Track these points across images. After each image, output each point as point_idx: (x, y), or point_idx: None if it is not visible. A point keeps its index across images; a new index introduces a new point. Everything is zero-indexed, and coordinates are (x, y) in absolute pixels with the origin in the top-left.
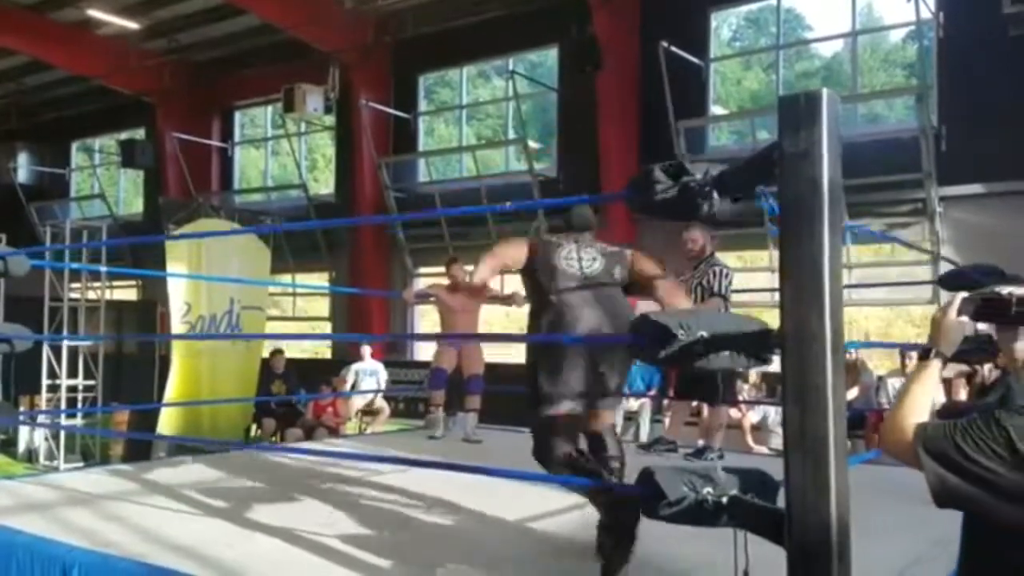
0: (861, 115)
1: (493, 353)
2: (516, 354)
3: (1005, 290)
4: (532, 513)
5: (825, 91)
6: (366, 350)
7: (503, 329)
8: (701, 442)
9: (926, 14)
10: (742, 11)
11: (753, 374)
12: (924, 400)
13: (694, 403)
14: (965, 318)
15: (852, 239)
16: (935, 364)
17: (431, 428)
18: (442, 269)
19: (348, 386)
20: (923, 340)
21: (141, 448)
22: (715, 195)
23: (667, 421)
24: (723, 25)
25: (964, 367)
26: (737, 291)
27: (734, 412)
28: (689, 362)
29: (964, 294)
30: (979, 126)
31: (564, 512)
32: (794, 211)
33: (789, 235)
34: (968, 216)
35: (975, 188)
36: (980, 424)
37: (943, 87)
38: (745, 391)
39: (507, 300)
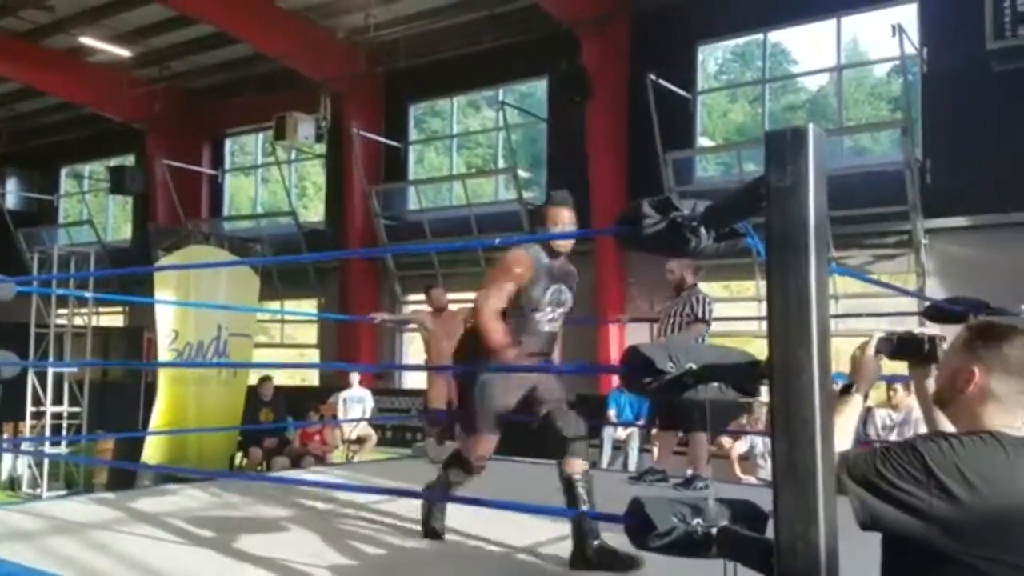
0: (847, 148)
1: None
2: None
3: (918, 330)
4: (518, 543)
5: (811, 127)
6: (354, 377)
7: None
8: (689, 472)
9: (910, 49)
10: (728, 45)
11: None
12: (847, 431)
13: (680, 433)
14: (882, 356)
15: (836, 271)
16: (856, 398)
17: (429, 453)
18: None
19: (340, 413)
20: (907, 372)
21: (126, 476)
22: (703, 230)
23: (655, 451)
24: (709, 58)
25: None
26: (723, 319)
27: (725, 441)
28: (677, 393)
29: (880, 333)
30: (964, 159)
31: (556, 542)
32: (781, 245)
33: (776, 269)
34: (953, 248)
35: (960, 221)
36: (897, 450)
37: (928, 121)
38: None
39: None
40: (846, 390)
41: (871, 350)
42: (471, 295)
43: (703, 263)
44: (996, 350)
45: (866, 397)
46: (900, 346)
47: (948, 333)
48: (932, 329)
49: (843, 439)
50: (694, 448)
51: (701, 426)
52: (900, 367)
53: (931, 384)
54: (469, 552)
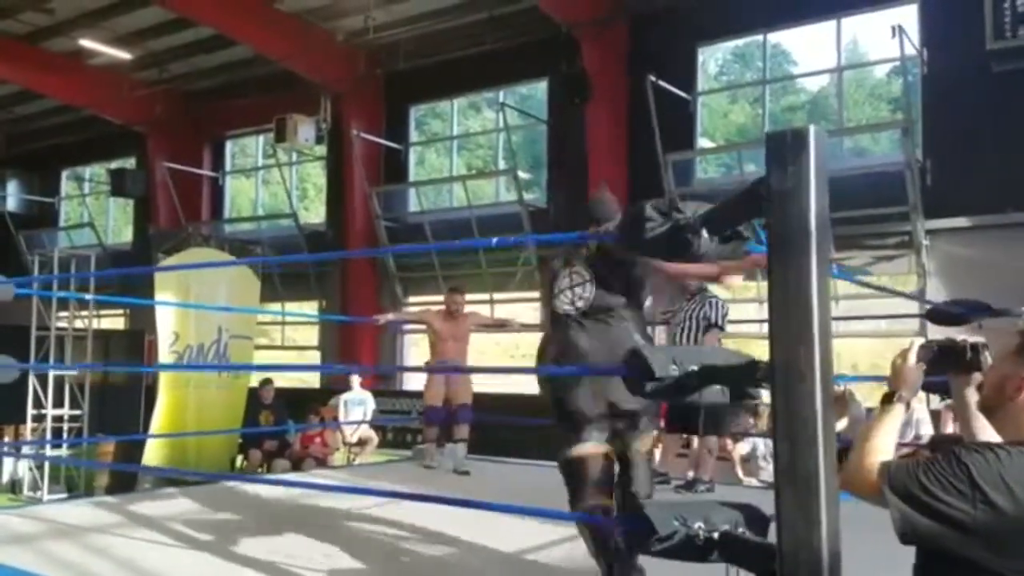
0: (847, 148)
1: (482, 383)
2: (504, 384)
3: (960, 338)
4: (522, 546)
5: (812, 128)
6: (355, 379)
7: (493, 357)
8: (691, 474)
9: (910, 50)
10: (728, 46)
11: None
12: (888, 441)
13: (683, 435)
14: (923, 363)
15: (836, 274)
16: (898, 407)
17: (424, 458)
18: (432, 297)
19: (341, 416)
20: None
21: (126, 479)
22: (704, 232)
23: (657, 453)
24: (710, 60)
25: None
26: (729, 322)
27: (726, 443)
28: (680, 396)
29: (922, 340)
30: (964, 160)
31: (555, 544)
32: (782, 246)
33: (777, 270)
34: (954, 249)
35: (961, 221)
36: (942, 462)
37: (928, 121)
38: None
39: (501, 326)
40: (887, 399)
41: (912, 357)
42: (473, 297)
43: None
44: None
45: (908, 406)
46: (942, 354)
47: (991, 340)
48: (977, 337)
49: (885, 451)
50: (701, 451)
51: (712, 430)
52: (883, 368)
53: (971, 393)
54: (470, 555)
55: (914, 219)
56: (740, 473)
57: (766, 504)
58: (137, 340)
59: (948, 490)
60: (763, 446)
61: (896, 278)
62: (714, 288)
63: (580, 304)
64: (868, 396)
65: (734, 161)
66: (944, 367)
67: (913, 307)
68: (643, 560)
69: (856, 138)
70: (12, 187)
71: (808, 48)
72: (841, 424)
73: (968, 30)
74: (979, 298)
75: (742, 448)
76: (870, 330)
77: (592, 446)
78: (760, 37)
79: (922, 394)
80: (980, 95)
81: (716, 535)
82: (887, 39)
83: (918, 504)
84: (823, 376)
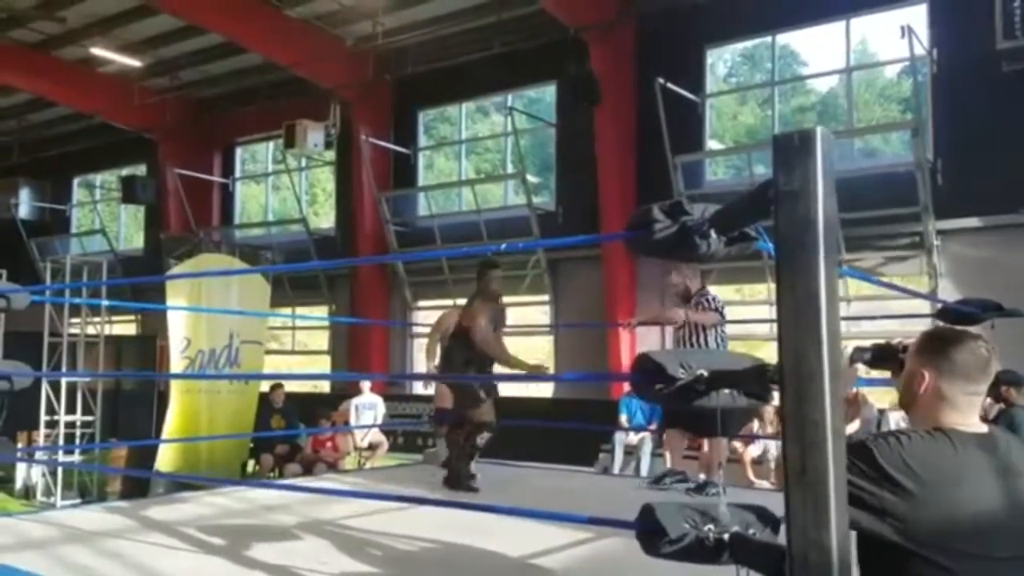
0: (858, 149)
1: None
2: (514, 389)
3: (896, 339)
4: (531, 549)
5: (819, 129)
6: (365, 384)
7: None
8: (702, 476)
9: (920, 50)
10: (737, 48)
11: (770, 411)
12: None
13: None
14: (859, 364)
15: (846, 274)
16: None
17: (436, 461)
18: (442, 302)
19: (352, 420)
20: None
21: (139, 484)
22: (713, 234)
23: (667, 456)
24: (718, 61)
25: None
26: (735, 322)
27: (736, 445)
28: (688, 400)
29: (855, 344)
30: (974, 160)
31: (564, 548)
32: (790, 248)
33: (785, 272)
34: (965, 249)
35: (972, 221)
36: (852, 449)
37: (938, 122)
38: (756, 428)
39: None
40: None
41: (846, 361)
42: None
43: (713, 267)
44: (944, 354)
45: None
46: (877, 355)
47: (1003, 340)
48: (908, 339)
49: None
50: (712, 453)
51: (717, 431)
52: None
53: None
54: (480, 558)
55: (925, 220)
56: (751, 475)
57: (777, 506)
58: (149, 345)
59: (858, 475)
60: (774, 448)
61: (907, 279)
62: (716, 288)
63: None
64: (881, 398)
65: (743, 163)
66: (882, 367)
67: (925, 308)
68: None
69: (866, 139)
70: (24, 194)
71: (817, 49)
72: (853, 426)
73: (977, 30)
74: (990, 298)
75: (753, 450)
76: (882, 331)
77: None
78: (769, 38)
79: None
80: (990, 95)
81: (726, 537)
82: (896, 39)
83: None
84: (832, 377)
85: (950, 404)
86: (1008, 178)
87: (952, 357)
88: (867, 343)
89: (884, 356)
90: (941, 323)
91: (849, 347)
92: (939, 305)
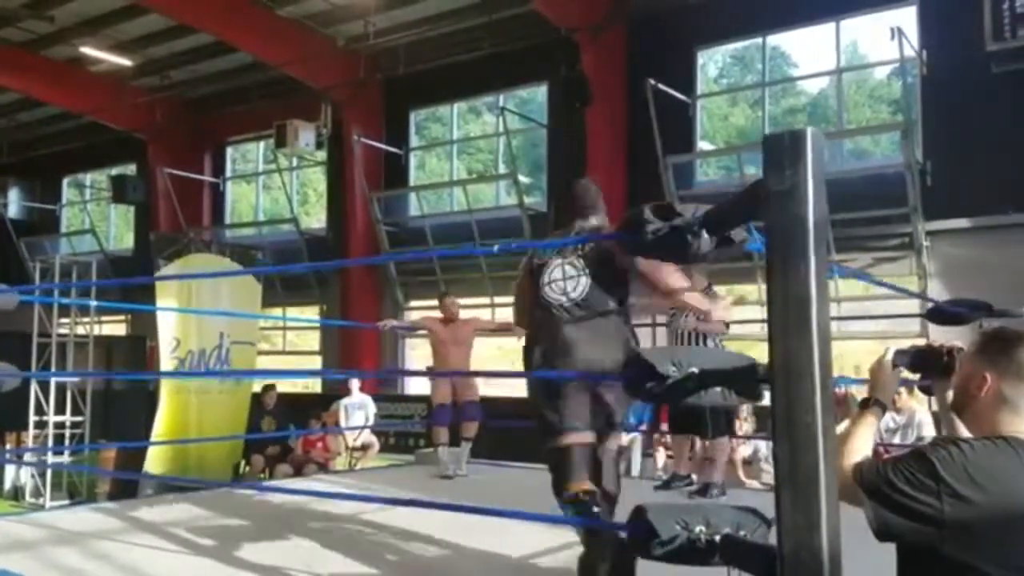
0: (847, 150)
1: (485, 386)
2: (508, 388)
3: (938, 343)
4: (525, 551)
5: (809, 130)
6: (355, 384)
7: (495, 360)
8: (695, 477)
9: (910, 52)
10: (728, 49)
11: (744, 409)
12: (863, 444)
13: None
14: (900, 368)
15: (838, 273)
16: (874, 412)
17: (440, 468)
18: (434, 302)
19: (342, 420)
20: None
21: (128, 486)
22: (704, 234)
23: (659, 456)
24: (709, 63)
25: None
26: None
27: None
28: (680, 399)
29: (896, 347)
30: (964, 161)
31: (559, 550)
32: (780, 248)
33: (776, 272)
34: (955, 250)
35: (961, 222)
36: (908, 459)
37: (928, 123)
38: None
39: (505, 331)
40: (864, 404)
41: (888, 364)
42: (475, 301)
43: (703, 267)
44: (1007, 355)
45: (885, 409)
46: (918, 358)
47: (967, 343)
48: (953, 341)
49: (860, 454)
50: (713, 454)
51: (719, 431)
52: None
53: (950, 395)
54: (473, 560)
55: (914, 220)
56: (742, 475)
57: (767, 506)
58: (139, 346)
59: (915, 486)
60: (765, 448)
61: (897, 279)
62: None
63: (573, 295)
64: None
65: (734, 163)
66: (923, 371)
67: (914, 308)
68: (644, 564)
69: (856, 140)
70: (13, 194)
71: (808, 50)
72: (843, 427)
73: (967, 31)
74: (980, 298)
75: (744, 450)
76: (872, 331)
77: (576, 436)
78: (759, 39)
79: (923, 396)
80: (980, 96)
81: (717, 538)
82: (886, 41)
83: (888, 501)
84: (822, 377)
85: (1012, 408)
86: (998, 179)
87: (1017, 358)
88: (905, 344)
89: (926, 360)
90: (931, 324)
91: (890, 350)
92: (929, 305)
